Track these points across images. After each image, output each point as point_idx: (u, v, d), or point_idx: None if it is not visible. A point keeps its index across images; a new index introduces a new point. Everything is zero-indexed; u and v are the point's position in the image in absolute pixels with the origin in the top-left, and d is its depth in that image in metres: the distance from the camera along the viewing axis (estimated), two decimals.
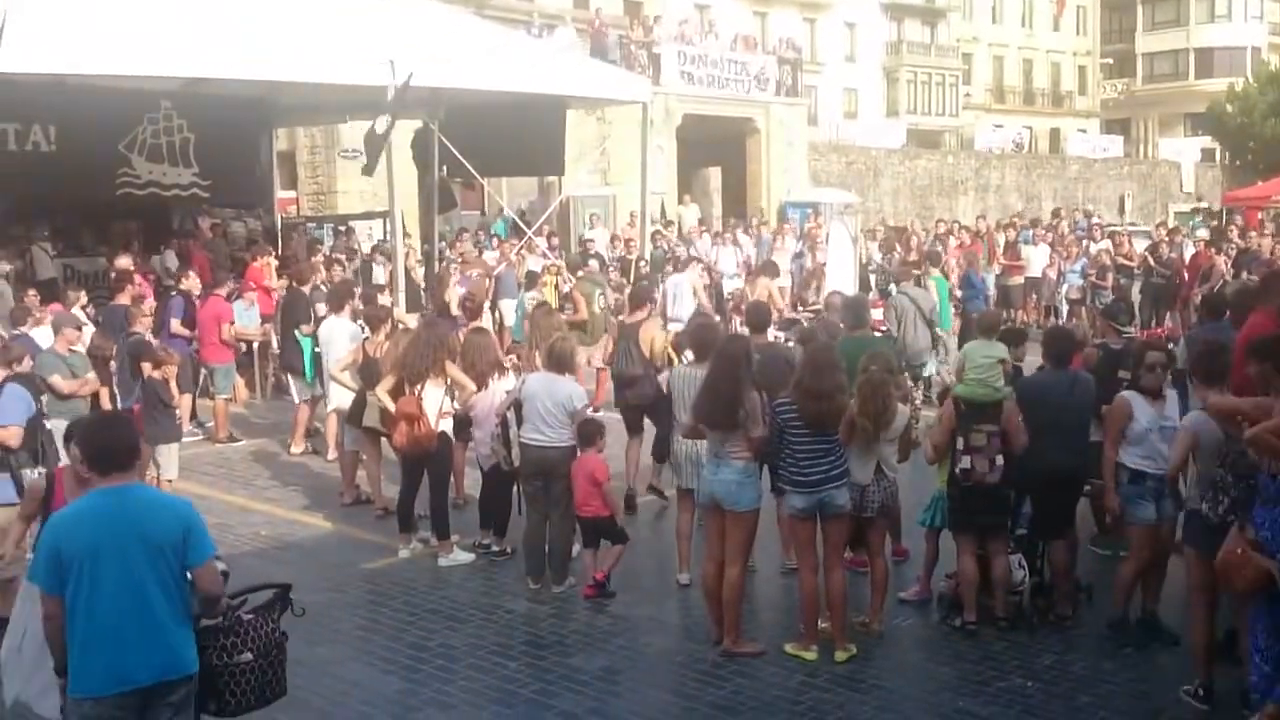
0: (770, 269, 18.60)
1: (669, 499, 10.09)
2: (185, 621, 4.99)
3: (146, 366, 10.81)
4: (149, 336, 12.45)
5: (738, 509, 7.35)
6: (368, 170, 16.51)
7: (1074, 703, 6.73)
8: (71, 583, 4.82)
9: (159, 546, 4.85)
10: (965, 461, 7.60)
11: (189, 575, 4.99)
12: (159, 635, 4.86)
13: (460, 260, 19.15)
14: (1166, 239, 22.63)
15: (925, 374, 13.66)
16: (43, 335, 12.10)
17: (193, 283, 14.72)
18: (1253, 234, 23.23)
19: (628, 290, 15.34)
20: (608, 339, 13.34)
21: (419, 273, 18.76)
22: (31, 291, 14.24)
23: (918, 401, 12.13)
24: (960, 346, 12.36)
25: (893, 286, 16.99)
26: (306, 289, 14.17)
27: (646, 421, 10.70)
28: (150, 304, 13.93)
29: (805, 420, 7.26)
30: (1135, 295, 20.41)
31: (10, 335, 11.81)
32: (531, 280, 17.12)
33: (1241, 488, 6.27)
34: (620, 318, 12.49)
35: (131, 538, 4.81)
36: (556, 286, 19.62)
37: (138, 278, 15.58)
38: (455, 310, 13.28)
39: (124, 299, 13.49)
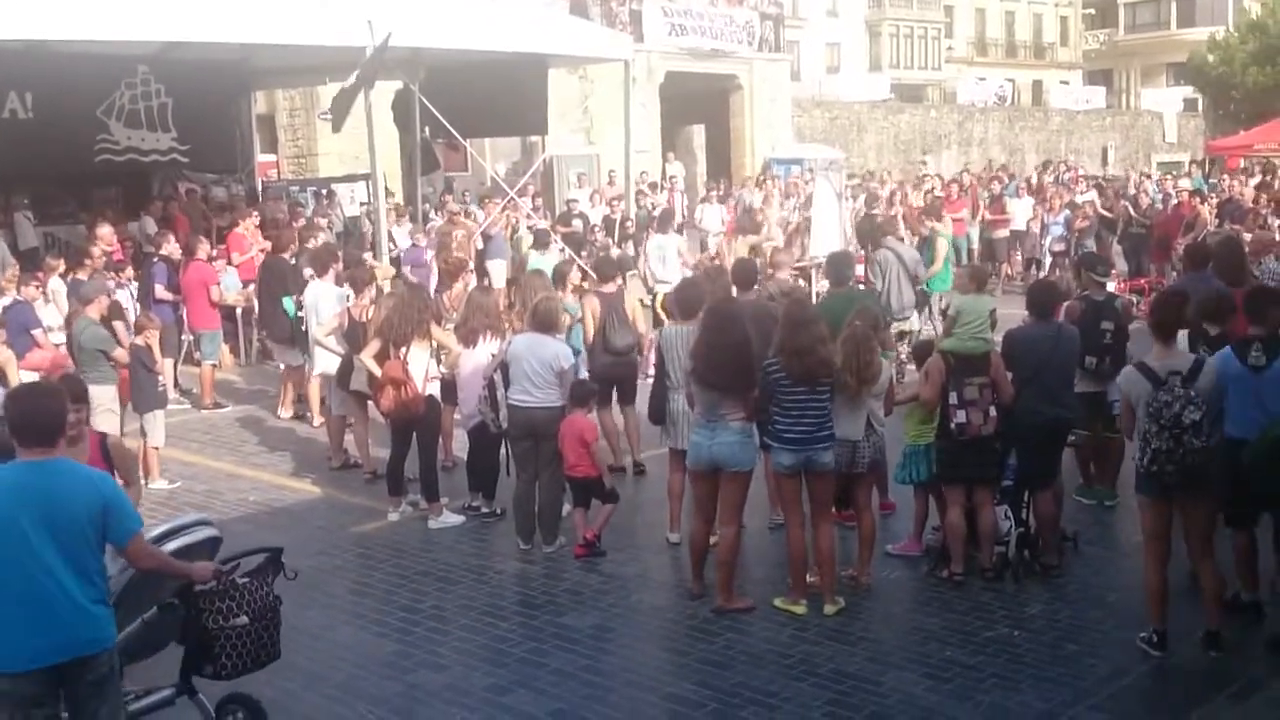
0: (749, 225, 18.39)
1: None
2: (99, 598, 4.77)
3: (120, 328, 10.76)
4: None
5: (740, 469, 7.40)
6: (335, 128, 16.45)
7: (1061, 651, 6.79)
8: None
9: (70, 522, 4.64)
10: (960, 416, 7.63)
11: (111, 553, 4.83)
12: (64, 613, 4.63)
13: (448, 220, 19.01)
14: (1142, 188, 22.58)
15: (908, 329, 13.64)
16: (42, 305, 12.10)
17: (173, 248, 14.62)
18: (1233, 182, 23.15)
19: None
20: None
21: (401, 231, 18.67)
22: (13, 262, 14.12)
23: (902, 357, 12.15)
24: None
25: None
26: (288, 255, 14.08)
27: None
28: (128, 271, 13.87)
29: (793, 378, 7.28)
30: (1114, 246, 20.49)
31: (9, 303, 11.77)
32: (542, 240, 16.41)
33: (1166, 438, 6.30)
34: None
35: (39, 512, 4.60)
36: None
37: (113, 244, 15.45)
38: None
39: (83, 274, 13.28)
